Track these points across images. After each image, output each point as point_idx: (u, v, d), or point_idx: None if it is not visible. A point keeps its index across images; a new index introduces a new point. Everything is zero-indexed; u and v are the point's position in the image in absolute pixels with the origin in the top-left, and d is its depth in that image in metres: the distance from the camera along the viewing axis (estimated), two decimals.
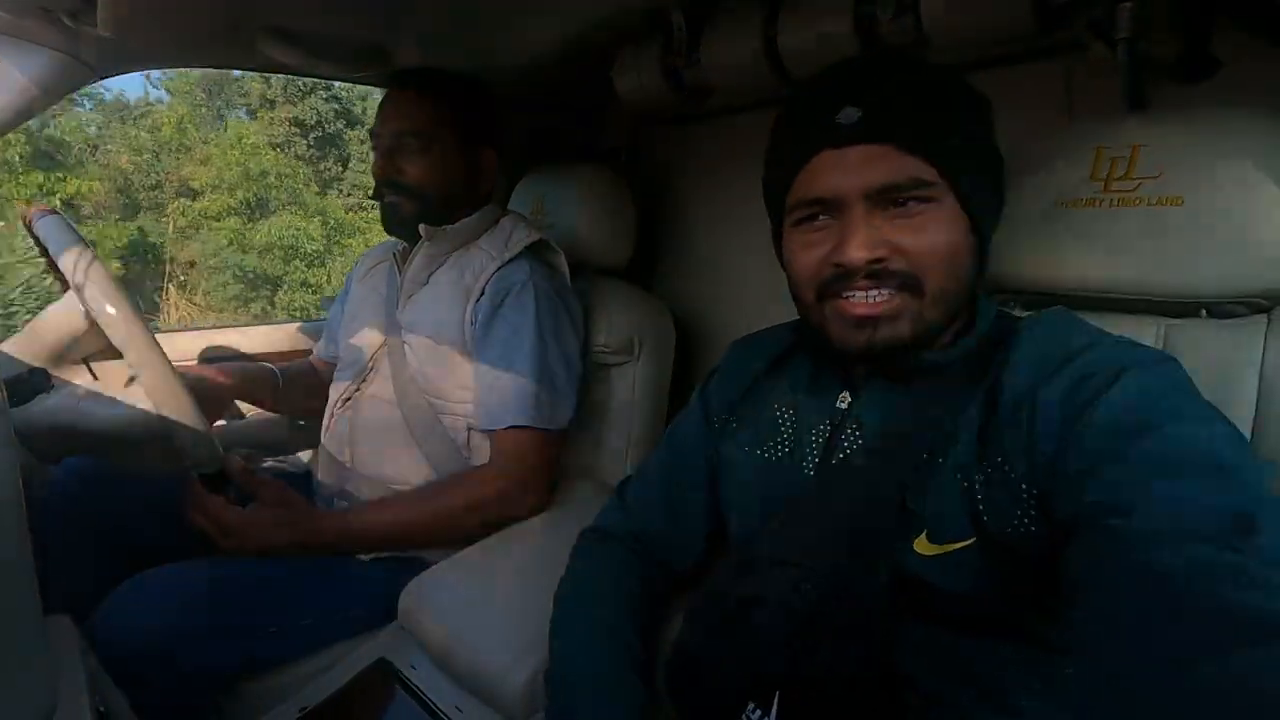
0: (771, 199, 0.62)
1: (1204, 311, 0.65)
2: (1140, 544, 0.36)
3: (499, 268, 1.06)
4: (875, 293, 0.54)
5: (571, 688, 0.61)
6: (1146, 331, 0.66)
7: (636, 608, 0.70)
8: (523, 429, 1.00)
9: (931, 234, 0.53)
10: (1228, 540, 0.34)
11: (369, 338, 1.16)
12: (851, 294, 0.55)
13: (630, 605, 0.69)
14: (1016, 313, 0.66)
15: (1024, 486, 0.50)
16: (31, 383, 0.72)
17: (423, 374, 1.06)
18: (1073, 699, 0.35)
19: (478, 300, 1.05)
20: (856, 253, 0.53)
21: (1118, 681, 0.31)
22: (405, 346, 1.08)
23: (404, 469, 1.05)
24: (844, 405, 0.62)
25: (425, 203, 1.07)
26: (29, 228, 0.80)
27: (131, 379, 0.78)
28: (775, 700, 0.54)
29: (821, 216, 0.56)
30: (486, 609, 0.84)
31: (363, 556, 0.99)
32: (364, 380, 1.13)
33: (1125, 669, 0.32)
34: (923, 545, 0.54)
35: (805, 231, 0.58)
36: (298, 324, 1.60)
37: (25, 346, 0.78)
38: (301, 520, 0.93)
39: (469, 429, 1.06)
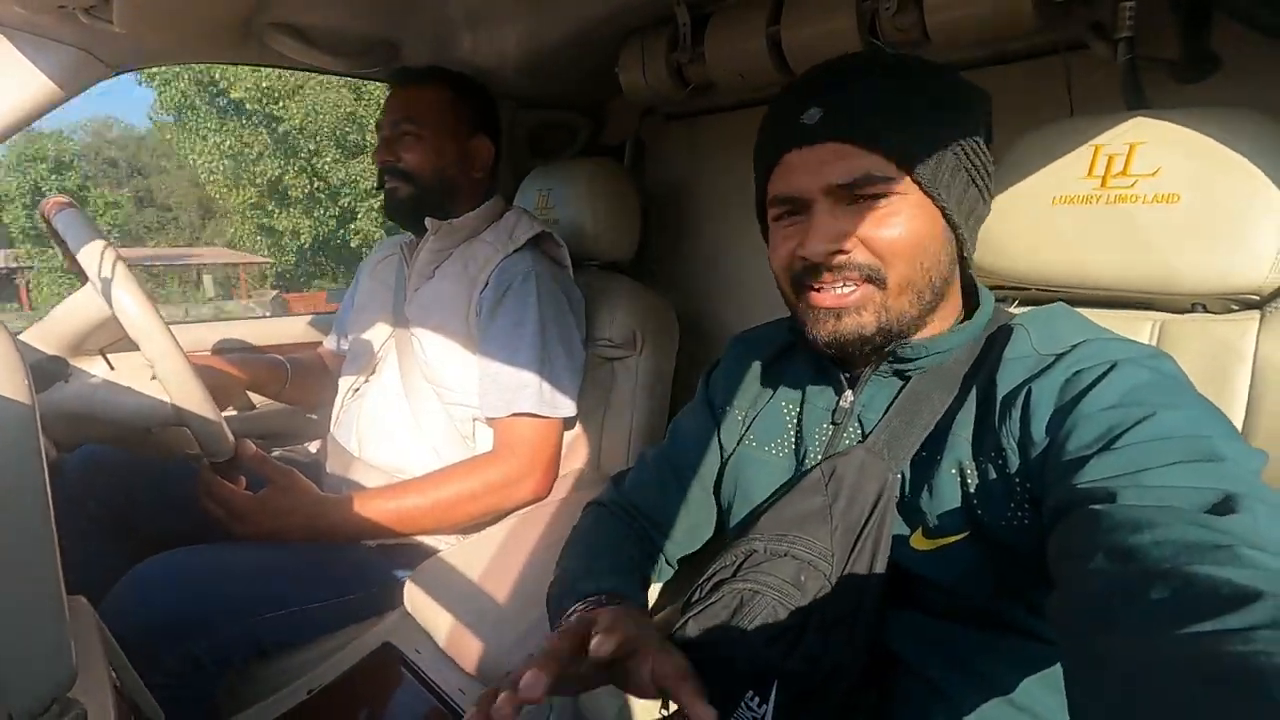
0: (757, 196, 0.64)
1: (1199, 307, 0.66)
2: (1122, 527, 0.36)
3: (502, 259, 1.08)
4: (840, 284, 0.56)
5: (566, 566, 0.65)
6: (1142, 327, 0.67)
7: (632, 554, 0.72)
8: (525, 417, 1.02)
9: (893, 226, 0.54)
10: (1207, 521, 0.35)
11: (377, 330, 1.18)
12: (820, 286, 0.57)
13: (626, 551, 0.72)
14: (1014, 309, 0.67)
15: (1017, 480, 0.50)
16: (50, 371, 0.74)
17: (429, 365, 1.08)
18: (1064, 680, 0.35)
19: (482, 291, 1.07)
20: (817, 247, 0.55)
21: (1094, 657, 0.32)
22: (412, 338, 1.10)
23: (411, 458, 1.07)
24: (846, 404, 0.63)
25: (419, 187, 1.10)
26: (47, 221, 0.82)
27: (154, 376, 0.80)
28: (774, 689, 0.55)
29: (794, 213, 0.58)
30: (490, 594, 0.85)
31: (369, 543, 1.01)
32: (372, 372, 1.15)
33: (1100, 644, 0.32)
34: (919, 540, 0.56)
35: (781, 227, 0.60)
36: (308, 317, 1.62)
37: (44, 336, 0.80)
38: (310, 506, 0.95)
39: (474, 419, 1.08)
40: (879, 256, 0.55)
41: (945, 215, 0.56)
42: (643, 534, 0.75)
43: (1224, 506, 0.36)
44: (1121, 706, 0.28)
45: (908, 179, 0.54)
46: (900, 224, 0.54)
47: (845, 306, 0.56)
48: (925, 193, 0.55)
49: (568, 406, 1.06)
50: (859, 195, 0.54)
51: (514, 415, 1.02)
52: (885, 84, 0.55)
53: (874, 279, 0.55)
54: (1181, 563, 0.32)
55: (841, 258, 0.55)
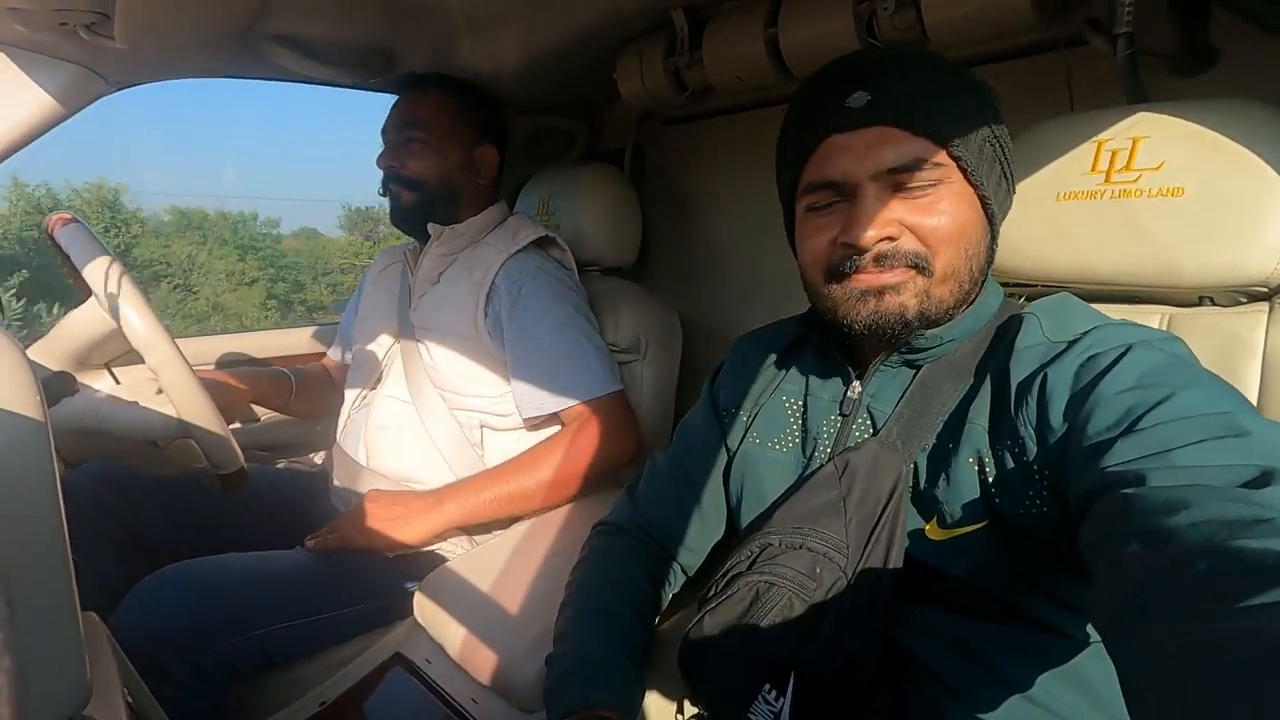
0: (783, 186, 0.63)
1: (1207, 300, 0.66)
2: (1157, 510, 0.35)
3: (506, 259, 1.09)
4: (884, 273, 0.55)
5: (564, 667, 0.62)
6: (1149, 321, 0.67)
7: (637, 596, 0.71)
8: (590, 402, 1.04)
9: (940, 213, 0.54)
10: (1243, 495, 0.34)
11: (382, 338, 1.18)
12: (861, 272, 0.56)
13: (632, 592, 0.71)
14: (1021, 303, 0.67)
15: (1036, 468, 0.50)
16: (57, 387, 0.74)
17: (437, 371, 1.08)
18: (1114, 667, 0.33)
19: (490, 295, 1.07)
20: (865, 232, 0.53)
21: (1143, 645, 0.31)
22: (419, 345, 1.10)
23: (419, 466, 1.07)
24: (854, 395, 0.62)
25: (423, 194, 1.11)
26: (50, 236, 0.82)
27: (160, 390, 0.80)
28: (790, 683, 0.55)
29: (833, 200, 0.57)
30: (499, 603, 0.85)
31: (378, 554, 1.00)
32: (379, 380, 1.15)
33: (1148, 630, 0.31)
34: (933, 530, 0.55)
35: (816, 215, 0.58)
36: (313, 328, 1.62)
37: (50, 351, 0.80)
38: (424, 508, 0.98)
39: (482, 425, 1.08)
40: (926, 244, 0.55)
41: (984, 204, 0.56)
42: (655, 555, 0.75)
43: (1258, 481, 0.35)
44: (1179, 692, 0.27)
45: (953, 165, 0.54)
46: (946, 211, 0.54)
47: (887, 285, 0.55)
48: (968, 180, 0.55)
49: (615, 379, 1.08)
50: (906, 181, 0.54)
51: (579, 404, 1.03)
52: (930, 71, 0.55)
53: (920, 267, 0.55)
54: (1222, 539, 0.31)
55: (889, 245, 0.54)
